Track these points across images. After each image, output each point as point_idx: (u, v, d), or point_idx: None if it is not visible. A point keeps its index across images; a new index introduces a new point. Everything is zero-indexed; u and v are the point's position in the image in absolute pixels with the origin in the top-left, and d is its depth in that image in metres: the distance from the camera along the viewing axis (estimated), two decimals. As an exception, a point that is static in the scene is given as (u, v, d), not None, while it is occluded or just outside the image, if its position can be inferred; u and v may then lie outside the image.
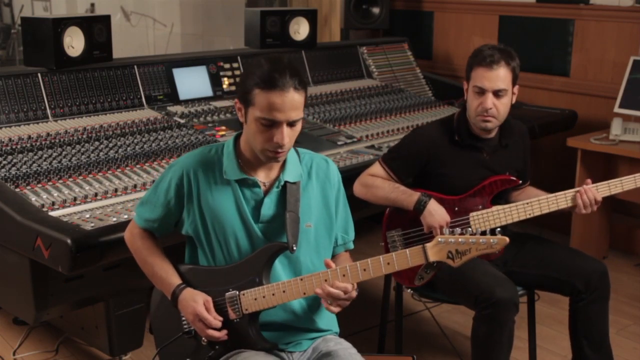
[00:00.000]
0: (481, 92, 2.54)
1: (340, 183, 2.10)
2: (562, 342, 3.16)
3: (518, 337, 2.57)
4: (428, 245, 1.87)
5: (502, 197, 2.69)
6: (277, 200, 1.98)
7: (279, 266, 1.99)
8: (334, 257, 2.11)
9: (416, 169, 2.65)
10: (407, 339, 2.80)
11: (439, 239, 1.86)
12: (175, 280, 2.00)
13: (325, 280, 1.88)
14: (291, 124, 1.88)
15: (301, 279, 1.91)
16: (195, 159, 1.99)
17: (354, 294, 1.89)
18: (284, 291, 1.92)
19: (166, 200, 1.99)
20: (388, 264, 1.88)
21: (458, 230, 1.87)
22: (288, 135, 1.87)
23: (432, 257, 1.88)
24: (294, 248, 1.93)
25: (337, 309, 1.90)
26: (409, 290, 2.74)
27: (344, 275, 1.88)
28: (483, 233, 1.87)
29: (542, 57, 4.49)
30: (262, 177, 1.99)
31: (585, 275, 2.55)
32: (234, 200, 1.96)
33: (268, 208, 1.97)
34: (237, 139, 2.01)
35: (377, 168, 2.66)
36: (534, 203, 2.57)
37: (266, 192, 1.98)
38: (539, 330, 3.04)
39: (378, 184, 2.61)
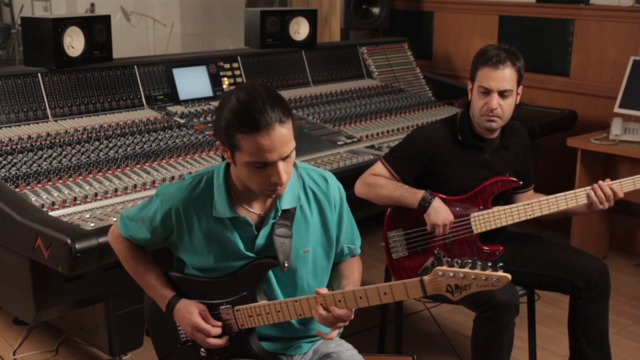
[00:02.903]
0: (487, 92, 2.53)
1: (342, 199, 2.00)
2: (562, 342, 3.16)
3: (518, 337, 2.57)
4: (426, 278, 1.76)
5: (502, 199, 2.69)
6: (272, 229, 1.87)
7: (276, 285, 1.94)
8: (341, 264, 2.06)
9: (419, 168, 2.64)
10: (407, 339, 2.80)
11: (439, 272, 1.74)
12: (169, 292, 1.95)
13: (321, 304, 1.82)
14: (285, 158, 1.74)
15: (296, 301, 1.85)
16: (184, 195, 1.87)
17: (350, 316, 1.84)
18: (279, 311, 1.87)
19: (152, 227, 1.92)
20: (385, 294, 1.80)
21: (458, 260, 1.76)
22: (284, 171, 1.75)
23: (430, 291, 1.76)
24: (286, 265, 1.87)
25: (334, 334, 1.86)
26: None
27: (339, 301, 1.81)
28: (484, 267, 1.74)
29: (542, 57, 4.50)
30: (257, 208, 1.89)
31: (585, 273, 2.55)
32: (226, 238, 1.87)
33: (262, 238, 1.88)
34: (227, 169, 1.88)
35: (379, 167, 2.66)
36: (534, 204, 2.57)
37: (261, 224, 1.88)
38: (539, 330, 3.04)
39: (381, 183, 2.61)
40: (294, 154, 1.78)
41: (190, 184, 1.89)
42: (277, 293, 1.94)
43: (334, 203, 1.98)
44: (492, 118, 2.54)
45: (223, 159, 1.93)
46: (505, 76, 2.51)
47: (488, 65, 2.52)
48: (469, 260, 1.75)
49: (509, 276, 1.72)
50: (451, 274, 1.73)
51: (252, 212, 1.89)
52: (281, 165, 1.74)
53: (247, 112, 1.69)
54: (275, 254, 1.86)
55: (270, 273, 1.92)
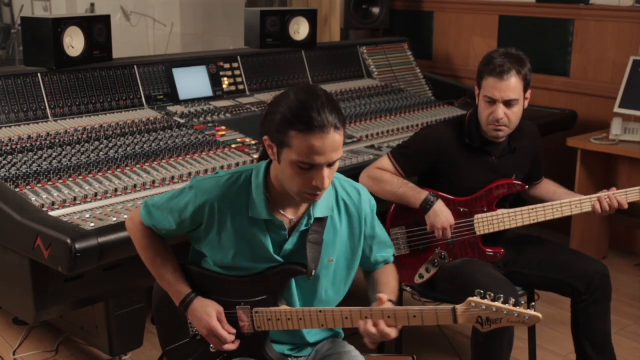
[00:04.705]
0: (492, 101, 2.51)
1: (373, 212, 2.00)
2: (562, 342, 3.16)
3: (518, 337, 2.57)
4: (459, 307, 1.76)
5: (507, 201, 2.69)
6: (303, 235, 1.88)
7: (295, 291, 1.93)
8: (377, 271, 2.06)
9: (424, 166, 2.65)
10: (407, 339, 2.80)
11: (472, 304, 1.74)
12: (185, 288, 1.93)
13: (346, 319, 1.82)
14: (331, 165, 1.74)
15: (320, 311, 1.84)
16: (222, 191, 1.85)
17: (395, 335, 1.81)
18: (300, 319, 1.86)
19: (180, 219, 1.89)
20: (414, 317, 1.79)
21: (491, 294, 1.75)
22: (328, 177, 1.74)
23: (462, 321, 1.76)
24: (313, 274, 1.86)
25: (373, 346, 1.85)
26: (408, 289, 2.74)
27: (366, 318, 1.79)
28: (517, 303, 1.75)
29: (542, 57, 4.49)
30: (290, 213, 1.87)
31: (586, 276, 2.55)
32: (257, 240, 1.86)
33: (291, 243, 1.88)
34: (267, 168, 1.86)
35: (385, 162, 2.66)
36: (538, 209, 2.58)
37: (293, 229, 1.88)
38: (539, 330, 3.04)
39: (387, 178, 2.61)
40: (338, 162, 1.77)
41: (229, 181, 1.87)
42: (295, 299, 1.93)
43: (364, 216, 1.97)
44: (498, 128, 2.54)
45: (260, 159, 1.92)
46: (510, 86, 2.49)
47: (493, 76, 2.50)
48: (501, 295, 1.76)
49: (540, 316, 1.74)
50: (484, 307, 1.74)
51: (285, 216, 1.88)
52: (326, 171, 1.73)
53: (306, 111, 1.69)
54: (304, 261, 1.86)
55: (292, 279, 1.91)
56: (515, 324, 1.75)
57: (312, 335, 2.02)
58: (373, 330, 1.79)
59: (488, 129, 2.57)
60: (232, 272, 1.92)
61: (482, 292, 1.76)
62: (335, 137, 1.70)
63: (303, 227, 1.87)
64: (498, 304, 1.74)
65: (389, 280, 2.04)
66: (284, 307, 1.89)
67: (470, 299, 1.75)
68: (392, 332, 1.79)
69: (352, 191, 1.96)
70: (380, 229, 2.04)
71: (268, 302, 1.89)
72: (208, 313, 1.89)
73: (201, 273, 1.96)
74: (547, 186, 2.82)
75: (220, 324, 1.89)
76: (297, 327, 1.88)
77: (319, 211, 1.88)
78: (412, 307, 1.80)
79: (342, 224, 1.94)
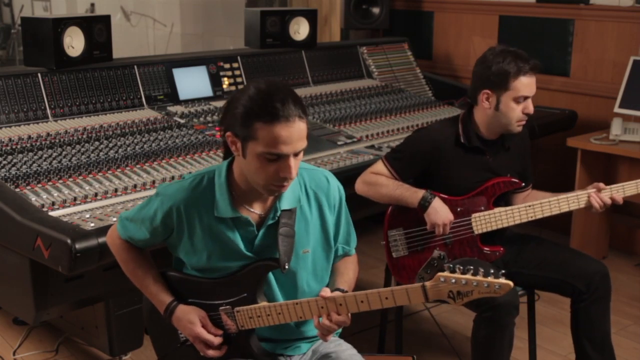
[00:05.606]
0: (525, 99, 2.55)
1: (342, 199, 2.00)
2: (562, 342, 3.16)
3: (518, 337, 2.57)
4: (428, 284, 1.76)
5: (503, 200, 2.69)
6: (272, 229, 1.88)
7: (276, 286, 1.93)
8: (337, 262, 2.05)
9: (419, 169, 2.65)
10: (407, 339, 2.80)
11: (441, 278, 1.73)
12: (166, 297, 1.95)
13: (322, 308, 1.82)
14: (296, 154, 1.75)
15: (297, 303, 1.85)
16: (186, 194, 1.86)
17: (348, 322, 1.84)
18: (279, 313, 1.87)
19: (152, 227, 1.91)
20: (386, 298, 1.80)
21: (460, 266, 1.74)
22: (295, 167, 1.75)
23: (432, 297, 1.76)
24: (286, 267, 1.86)
25: (328, 338, 1.87)
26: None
27: (340, 305, 1.82)
28: (486, 274, 1.73)
29: (542, 57, 4.47)
30: (257, 208, 1.88)
31: (586, 276, 2.55)
32: (227, 238, 1.87)
33: (261, 238, 1.89)
34: (229, 167, 1.87)
35: (380, 166, 2.66)
36: (535, 206, 2.58)
37: (261, 224, 1.88)
38: (539, 330, 3.04)
39: (382, 181, 2.61)
40: (303, 153, 1.78)
41: (192, 183, 1.88)
42: (277, 294, 1.94)
43: (333, 203, 1.98)
44: (524, 122, 2.59)
45: (225, 157, 1.93)
46: (535, 81, 2.58)
47: (526, 75, 2.54)
48: (471, 267, 1.75)
49: (511, 283, 1.72)
50: (453, 280, 1.73)
51: (252, 212, 1.88)
52: (292, 161, 1.74)
53: (270, 101, 1.70)
54: (276, 255, 1.86)
55: (270, 274, 1.92)
56: (487, 294, 1.73)
57: (305, 330, 2.01)
58: (328, 323, 1.81)
59: (514, 127, 2.59)
60: (209, 274, 1.92)
61: (451, 265, 1.75)
62: (301, 126, 1.72)
63: (270, 221, 1.88)
64: (467, 276, 1.73)
65: (346, 271, 2.03)
66: (263, 304, 1.89)
67: (440, 274, 1.74)
68: (343, 320, 1.82)
69: (320, 179, 1.97)
70: (345, 218, 2.03)
71: (247, 300, 1.89)
72: (190, 320, 1.91)
73: (182, 279, 1.97)
74: (534, 195, 2.78)
75: (204, 329, 1.90)
76: (278, 322, 1.89)
77: (285, 203, 1.88)
78: (383, 289, 1.81)
79: (313, 214, 1.94)
